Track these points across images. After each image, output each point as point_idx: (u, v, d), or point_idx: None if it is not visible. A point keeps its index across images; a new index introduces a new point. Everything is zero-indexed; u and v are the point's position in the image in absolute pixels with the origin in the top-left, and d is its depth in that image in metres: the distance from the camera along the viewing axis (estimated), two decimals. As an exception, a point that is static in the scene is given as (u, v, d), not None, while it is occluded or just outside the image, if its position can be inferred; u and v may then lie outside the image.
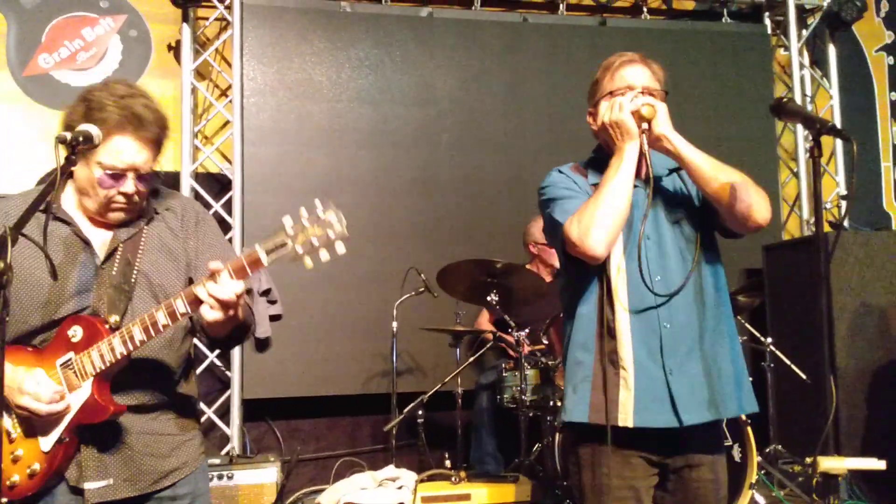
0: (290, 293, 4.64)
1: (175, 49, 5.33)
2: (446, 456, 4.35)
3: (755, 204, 2.06)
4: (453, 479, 3.71)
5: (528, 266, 4.70)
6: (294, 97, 5.23)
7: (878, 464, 2.07)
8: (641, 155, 2.10)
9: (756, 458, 3.72)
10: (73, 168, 1.96)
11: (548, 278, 4.63)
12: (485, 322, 4.88)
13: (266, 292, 3.72)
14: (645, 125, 2.07)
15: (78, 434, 1.94)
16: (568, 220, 2.10)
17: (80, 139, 1.82)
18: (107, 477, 1.96)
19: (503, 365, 4.30)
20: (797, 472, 4.44)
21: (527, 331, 4.12)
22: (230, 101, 5.21)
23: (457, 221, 5.37)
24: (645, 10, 6.04)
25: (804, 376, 4.25)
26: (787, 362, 4.31)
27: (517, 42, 5.65)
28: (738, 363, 2.17)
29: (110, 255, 2.02)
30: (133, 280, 2.01)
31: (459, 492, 3.66)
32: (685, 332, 2.09)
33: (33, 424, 1.92)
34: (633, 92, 2.13)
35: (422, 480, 3.77)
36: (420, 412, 4.26)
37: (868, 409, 4.36)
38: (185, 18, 5.21)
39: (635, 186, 2.13)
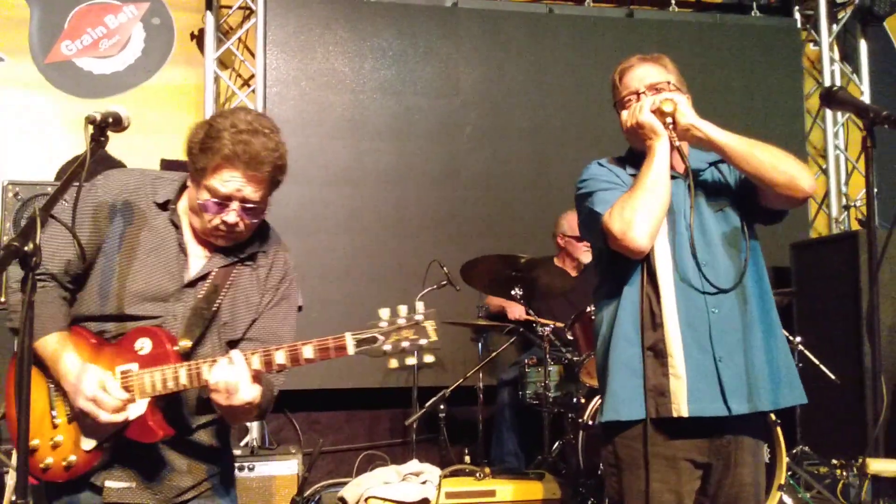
0: (311, 285, 4.60)
1: (198, 38, 5.30)
2: (466, 451, 4.29)
3: (796, 173, 2.04)
4: (478, 474, 3.64)
5: (554, 259, 4.63)
6: (317, 87, 5.20)
7: (930, 467, 1.99)
8: (674, 149, 2.09)
9: (785, 460, 3.64)
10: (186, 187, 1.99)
11: (573, 273, 4.56)
12: (501, 303, 4.64)
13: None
14: (669, 119, 2.07)
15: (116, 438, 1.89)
16: (608, 213, 2.07)
17: (110, 120, 1.79)
18: (129, 480, 1.91)
19: (526, 361, 4.24)
20: (824, 474, 4.35)
21: (551, 326, 4.05)
22: (253, 91, 5.19)
23: (480, 213, 5.32)
24: (673, 2, 5.94)
25: (833, 376, 4.16)
26: (817, 362, 4.22)
27: (542, 33, 5.57)
28: (784, 354, 2.15)
29: (202, 277, 1.97)
30: (215, 308, 1.95)
31: (484, 488, 3.58)
32: (733, 319, 2.07)
33: (83, 423, 1.86)
34: (650, 95, 2.14)
35: (445, 476, 3.71)
36: (442, 406, 4.20)
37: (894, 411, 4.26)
38: (208, 7, 5.17)
39: (674, 178, 2.11)
